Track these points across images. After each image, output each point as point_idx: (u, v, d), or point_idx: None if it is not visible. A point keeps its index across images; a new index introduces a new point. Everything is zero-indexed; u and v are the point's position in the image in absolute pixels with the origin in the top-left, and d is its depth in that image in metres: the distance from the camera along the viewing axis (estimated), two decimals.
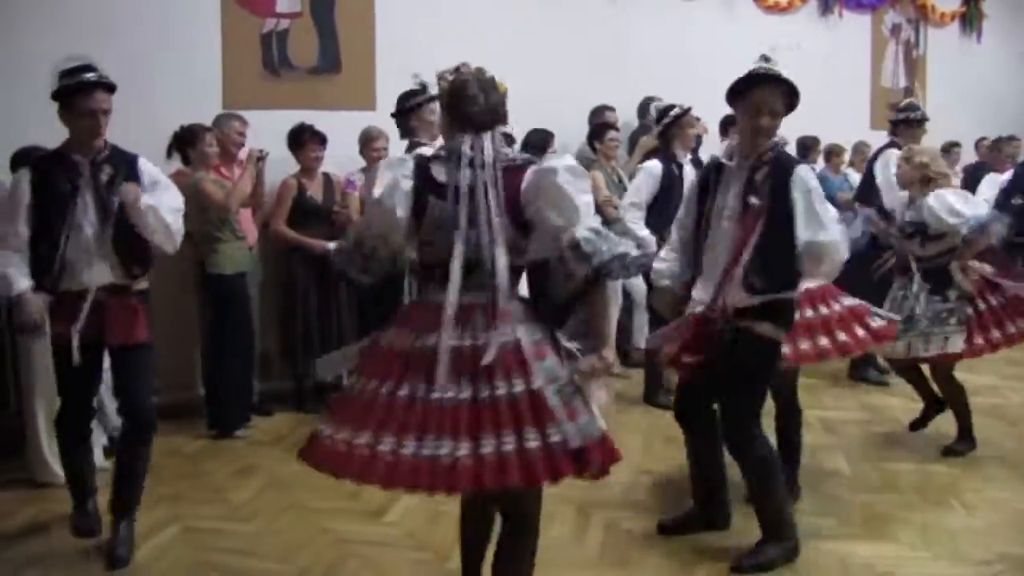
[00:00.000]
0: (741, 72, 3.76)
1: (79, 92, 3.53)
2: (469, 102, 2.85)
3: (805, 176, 3.52)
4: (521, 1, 7.27)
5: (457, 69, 3.12)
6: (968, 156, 9.87)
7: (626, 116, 7.50)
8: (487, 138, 2.80)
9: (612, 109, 6.93)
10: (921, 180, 4.74)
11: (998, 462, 4.86)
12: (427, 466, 2.56)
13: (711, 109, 7.56)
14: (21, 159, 4.46)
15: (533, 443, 2.59)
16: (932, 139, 9.39)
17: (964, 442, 4.98)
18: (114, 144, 3.69)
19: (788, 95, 3.67)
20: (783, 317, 3.58)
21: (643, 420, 5.58)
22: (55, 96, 3.57)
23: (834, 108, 8.12)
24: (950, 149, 9.44)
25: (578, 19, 7.52)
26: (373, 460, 2.58)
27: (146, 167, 3.77)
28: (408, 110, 5.04)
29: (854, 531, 3.99)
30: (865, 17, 10.01)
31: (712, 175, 3.75)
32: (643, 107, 7.50)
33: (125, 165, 3.68)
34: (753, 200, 3.50)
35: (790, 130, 7.84)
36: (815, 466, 4.81)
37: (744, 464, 3.68)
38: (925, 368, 5.00)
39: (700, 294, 3.65)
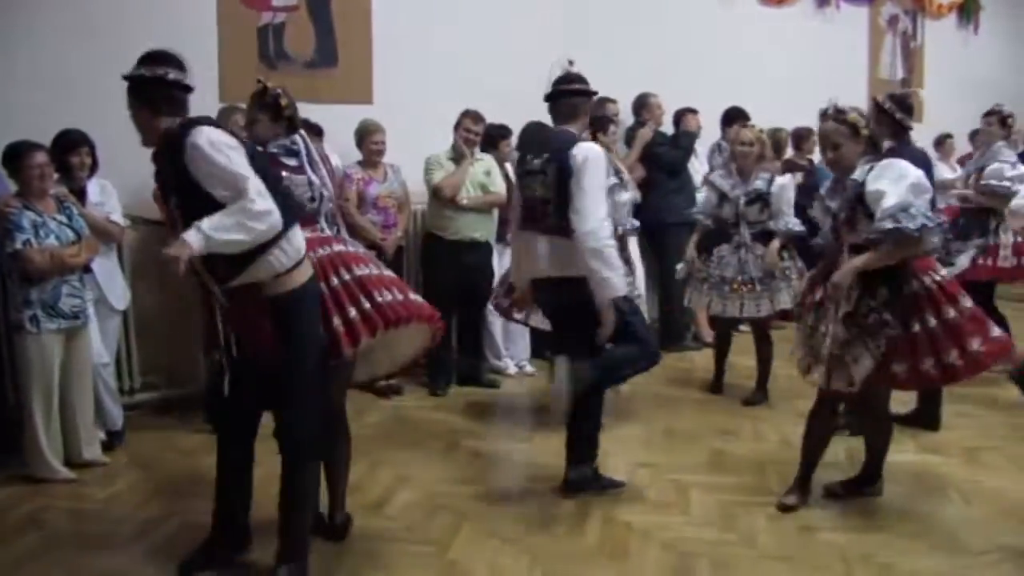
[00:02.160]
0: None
1: None
2: None
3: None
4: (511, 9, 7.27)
5: None
6: (963, 147, 9.86)
7: (624, 111, 7.48)
8: None
9: (614, 101, 6.93)
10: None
11: (995, 452, 4.87)
12: None
13: (710, 101, 7.62)
14: (11, 153, 4.45)
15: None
16: (929, 130, 9.43)
17: (758, 394, 5.85)
18: None
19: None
20: None
21: (642, 412, 5.58)
22: None
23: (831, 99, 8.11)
24: (944, 141, 9.45)
25: (574, 12, 7.51)
26: None
27: None
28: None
29: (853, 523, 3.99)
30: (862, 9, 10.00)
31: None
32: (639, 102, 7.50)
33: None
34: None
35: (787, 122, 7.91)
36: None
37: None
38: None
39: None
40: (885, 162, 3.76)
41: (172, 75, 3.22)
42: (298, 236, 3.25)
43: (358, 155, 6.07)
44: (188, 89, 3.28)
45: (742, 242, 5.75)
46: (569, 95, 4.28)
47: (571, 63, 4.48)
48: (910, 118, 4.81)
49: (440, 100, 6.32)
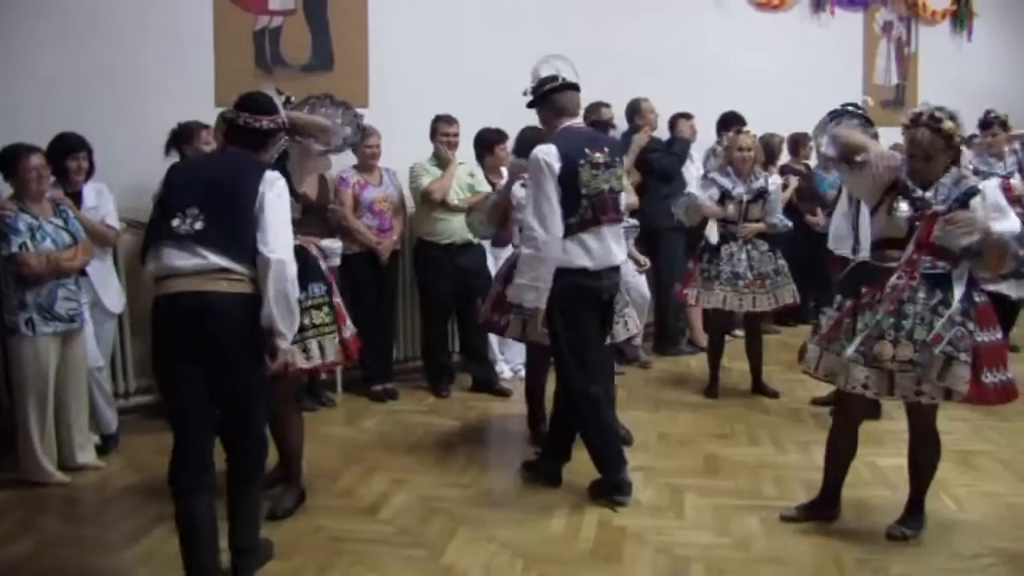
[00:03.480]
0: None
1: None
2: None
3: None
4: (509, 2, 7.27)
5: None
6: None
7: (618, 116, 7.48)
8: None
9: (608, 105, 6.94)
10: None
11: (988, 457, 4.89)
12: None
13: (705, 106, 7.63)
14: (7, 156, 4.46)
15: None
16: None
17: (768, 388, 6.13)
18: None
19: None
20: None
21: (637, 418, 5.58)
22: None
23: (826, 105, 8.10)
24: None
25: (570, 17, 7.51)
26: None
27: None
28: None
29: (847, 526, 4.01)
30: (857, 15, 10.03)
31: None
32: (632, 107, 7.50)
33: None
34: None
35: (783, 127, 7.93)
36: (807, 462, 4.83)
37: None
38: None
39: None
40: (995, 181, 3.79)
41: None
42: None
43: (353, 159, 6.08)
44: None
45: (748, 239, 5.91)
46: (576, 89, 4.45)
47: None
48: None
49: (436, 104, 6.32)
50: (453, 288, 6.12)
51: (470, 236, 6.05)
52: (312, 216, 5.80)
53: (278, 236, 3.25)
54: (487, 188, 6.18)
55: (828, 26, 9.62)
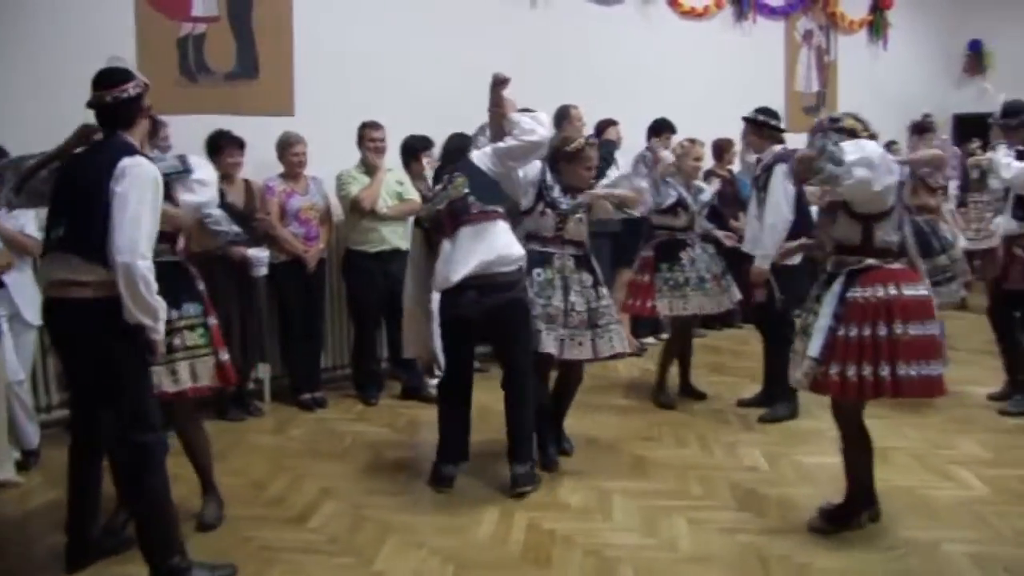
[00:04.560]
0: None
1: None
2: None
3: None
4: (440, 7, 7.29)
5: None
6: None
7: None
8: None
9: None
10: None
11: (903, 452, 5.03)
12: None
13: (631, 112, 7.73)
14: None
15: None
16: None
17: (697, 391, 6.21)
18: None
19: None
20: None
21: (565, 422, 5.63)
22: None
23: (749, 111, 8.32)
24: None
25: (497, 25, 7.57)
26: None
27: None
28: None
29: (771, 524, 4.09)
30: (778, 23, 10.27)
31: None
32: (560, 114, 7.56)
33: None
34: None
35: (707, 133, 8.06)
36: (733, 463, 4.93)
37: None
38: None
39: None
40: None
41: None
42: None
43: (279, 167, 6.05)
44: None
45: (698, 243, 6.01)
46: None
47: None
48: None
49: (363, 112, 6.31)
50: (381, 296, 6.11)
51: (399, 243, 6.07)
52: (238, 225, 5.77)
53: (122, 234, 3.19)
54: (415, 195, 6.19)
55: (751, 34, 9.83)
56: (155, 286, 3.25)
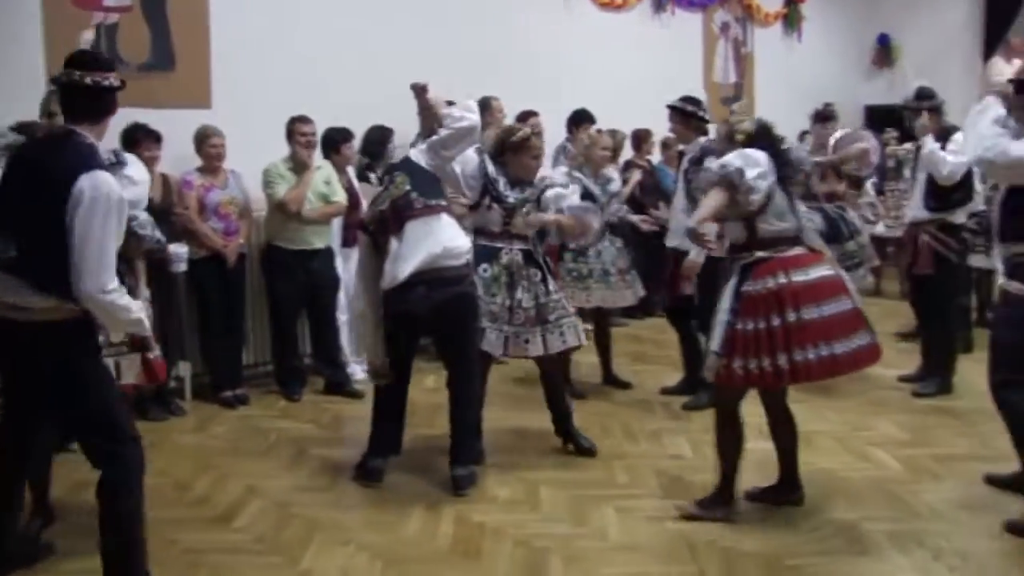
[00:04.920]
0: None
1: None
2: None
3: None
4: None
5: None
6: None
7: None
8: None
9: (455, 104, 6.96)
10: None
11: (825, 436, 5.15)
12: None
13: (551, 104, 7.75)
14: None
15: None
16: None
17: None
18: None
19: None
20: None
21: (492, 415, 5.63)
22: None
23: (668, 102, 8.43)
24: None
25: (418, 16, 7.52)
26: None
27: None
28: None
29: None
30: (696, 15, 10.40)
31: None
32: (483, 105, 7.53)
33: None
34: None
35: (627, 124, 8.13)
36: (658, 451, 4.99)
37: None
38: None
39: None
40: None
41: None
42: None
43: (197, 161, 5.92)
44: None
45: (606, 235, 5.97)
46: None
47: None
48: None
49: (283, 104, 6.20)
50: (303, 291, 6.04)
51: (319, 244, 6.04)
52: (156, 220, 5.63)
53: (89, 272, 2.95)
54: (341, 196, 6.11)
55: (669, 26, 9.94)
56: (130, 303, 3.12)
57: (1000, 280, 4.18)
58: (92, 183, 2.96)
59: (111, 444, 3.18)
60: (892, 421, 5.41)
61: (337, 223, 6.26)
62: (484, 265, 4.63)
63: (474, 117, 4.48)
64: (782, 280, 3.72)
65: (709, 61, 10.64)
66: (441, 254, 4.26)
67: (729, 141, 4.05)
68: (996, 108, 3.88)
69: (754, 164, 3.77)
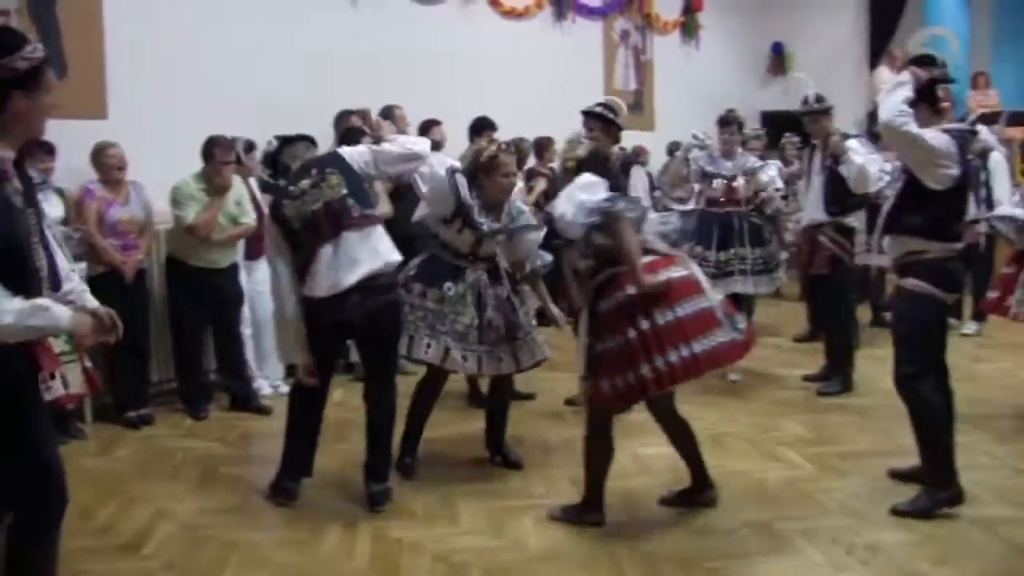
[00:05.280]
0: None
1: None
2: None
3: None
4: (262, 4, 7.09)
5: None
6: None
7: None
8: None
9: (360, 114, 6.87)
10: None
11: (736, 437, 5.25)
12: None
13: (455, 112, 7.72)
14: None
15: None
16: (661, 139, 10.04)
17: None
18: None
19: None
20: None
21: (399, 428, 5.58)
22: None
23: (570, 110, 8.47)
24: (675, 150, 10.08)
25: (318, 21, 7.43)
26: None
27: None
28: None
29: (617, 518, 4.12)
30: (596, 23, 10.52)
31: None
32: (383, 114, 7.44)
33: None
34: None
35: (528, 131, 8.16)
36: (573, 459, 4.96)
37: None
38: None
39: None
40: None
41: None
42: None
43: (92, 174, 5.70)
44: None
45: None
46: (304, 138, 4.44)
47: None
48: None
49: (185, 113, 6.04)
50: (207, 305, 5.88)
51: (223, 263, 5.91)
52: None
53: None
54: (251, 217, 5.97)
55: (570, 34, 10.04)
56: (30, 324, 2.67)
57: (895, 277, 4.35)
58: None
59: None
60: (798, 421, 5.54)
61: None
62: (449, 284, 4.51)
63: (424, 146, 4.40)
64: (631, 291, 3.74)
65: (610, 69, 10.77)
66: (382, 268, 4.17)
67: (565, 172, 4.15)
68: (911, 88, 4.00)
69: (600, 186, 3.87)
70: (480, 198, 4.55)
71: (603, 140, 5.47)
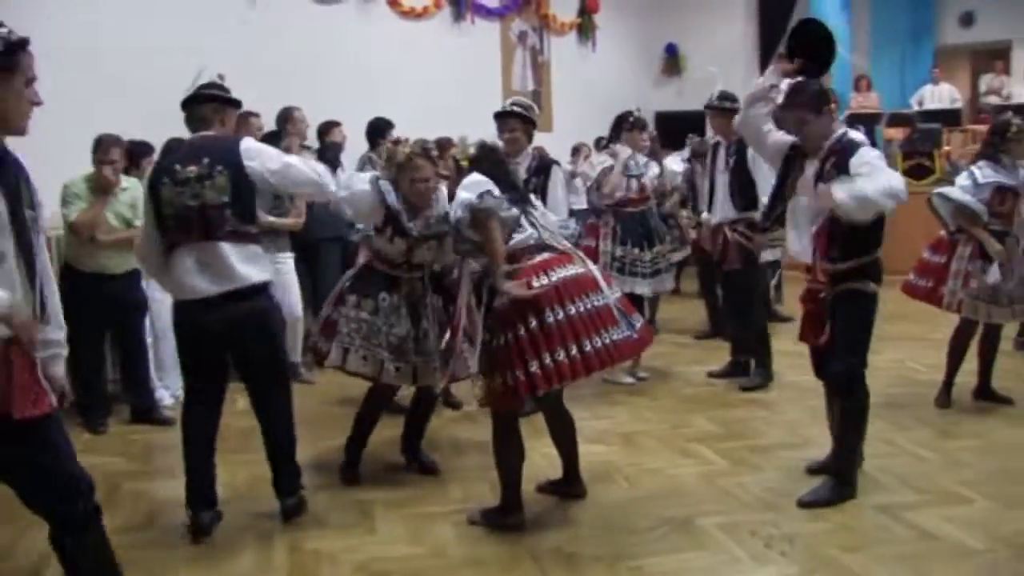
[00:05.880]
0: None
1: None
2: None
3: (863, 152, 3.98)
4: (156, 4, 6.89)
5: None
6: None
7: (268, 125, 7.24)
8: None
9: (257, 115, 6.72)
10: None
11: (647, 436, 5.30)
12: None
13: (355, 113, 7.62)
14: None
15: None
16: (559, 140, 10.11)
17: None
18: None
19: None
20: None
21: (309, 436, 5.43)
22: None
23: (469, 110, 8.46)
24: (578, 151, 10.18)
25: (216, 24, 7.23)
26: None
27: None
28: None
29: (538, 520, 4.11)
30: (494, 24, 10.53)
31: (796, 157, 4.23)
32: (282, 117, 7.25)
33: None
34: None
35: (427, 132, 8.06)
36: (488, 462, 4.87)
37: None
38: None
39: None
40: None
41: None
42: None
43: None
44: None
45: None
46: (212, 100, 4.08)
47: (221, 77, 4.28)
48: None
49: (77, 112, 5.75)
50: (105, 314, 5.62)
51: (118, 269, 5.65)
52: None
53: None
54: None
55: (469, 34, 10.02)
56: None
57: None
58: None
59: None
60: (707, 417, 5.61)
61: None
62: (383, 294, 4.37)
63: (331, 183, 4.18)
64: (524, 290, 3.74)
65: (507, 69, 10.78)
66: (242, 289, 3.90)
67: (458, 172, 4.15)
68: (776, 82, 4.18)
69: (483, 184, 3.88)
70: (406, 203, 4.41)
71: (523, 140, 5.49)
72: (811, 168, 4.15)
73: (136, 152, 5.90)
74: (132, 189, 5.70)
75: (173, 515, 4.28)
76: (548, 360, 3.67)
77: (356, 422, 4.78)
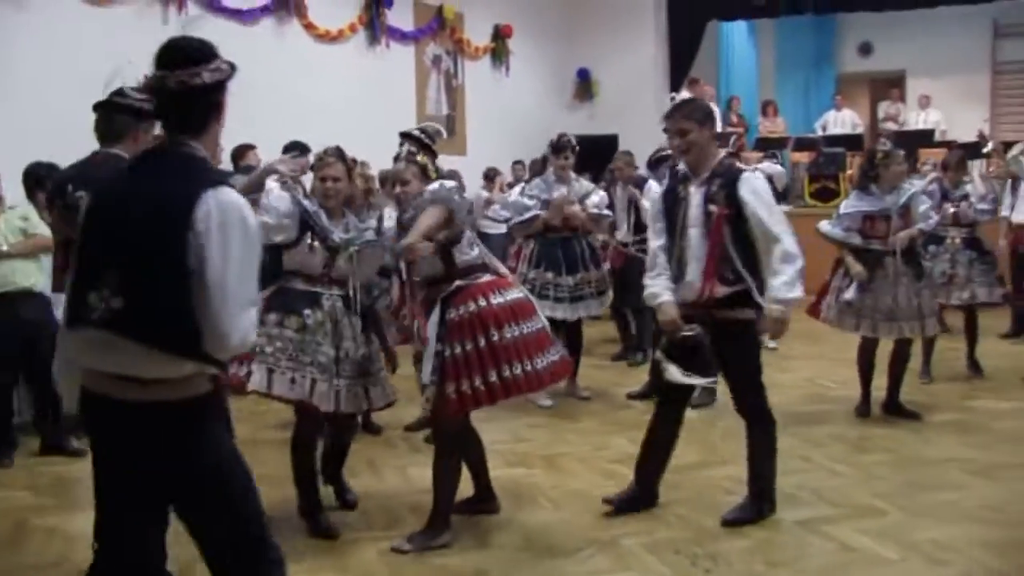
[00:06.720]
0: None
1: None
2: None
3: (751, 179, 4.09)
4: (63, 22, 6.75)
5: None
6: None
7: None
8: None
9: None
10: None
11: (570, 458, 5.32)
12: None
13: (268, 136, 7.53)
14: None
15: None
16: (473, 163, 10.16)
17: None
18: None
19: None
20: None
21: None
22: None
23: (384, 134, 8.42)
24: (494, 177, 10.24)
25: (125, 40, 6.96)
26: None
27: None
28: None
29: (464, 543, 4.09)
30: (409, 48, 10.56)
31: (678, 190, 4.26)
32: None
33: None
34: (713, 208, 4.05)
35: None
36: (406, 486, 4.91)
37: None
38: None
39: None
40: None
41: None
42: None
43: None
44: None
45: None
46: (121, 109, 3.92)
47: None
48: None
49: None
50: (12, 340, 5.40)
51: (29, 283, 5.46)
52: None
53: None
54: (44, 231, 5.57)
55: (384, 58, 10.04)
56: None
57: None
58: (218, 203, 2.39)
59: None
60: (627, 438, 5.59)
61: (48, 265, 5.67)
62: (307, 311, 4.10)
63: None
64: (482, 303, 3.91)
65: (422, 94, 10.80)
66: None
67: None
68: None
69: (452, 185, 4.08)
70: (323, 207, 4.24)
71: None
72: (697, 195, 4.17)
73: (39, 174, 5.64)
74: (21, 207, 5.57)
75: (87, 551, 4.12)
76: (506, 372, 3.84)
77: (296, 480, 4.38)
